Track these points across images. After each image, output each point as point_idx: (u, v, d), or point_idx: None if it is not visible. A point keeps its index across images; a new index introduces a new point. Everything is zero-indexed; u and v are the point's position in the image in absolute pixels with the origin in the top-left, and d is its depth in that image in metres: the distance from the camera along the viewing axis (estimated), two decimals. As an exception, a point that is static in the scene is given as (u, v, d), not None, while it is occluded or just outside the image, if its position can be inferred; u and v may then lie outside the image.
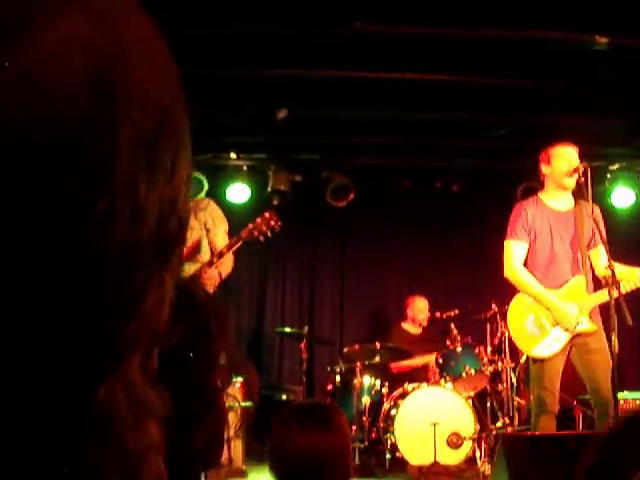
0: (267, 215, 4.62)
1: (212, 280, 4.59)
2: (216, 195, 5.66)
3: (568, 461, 2.79)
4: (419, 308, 7.71)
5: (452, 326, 6.92)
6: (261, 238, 4.62)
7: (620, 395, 3.95)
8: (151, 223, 0.49)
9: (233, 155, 7.38)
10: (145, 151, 0.48)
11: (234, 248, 4.58)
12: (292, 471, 2.07)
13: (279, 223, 4.62)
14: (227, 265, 4.67)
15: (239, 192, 7.35)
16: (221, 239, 4.77)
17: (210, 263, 4.55)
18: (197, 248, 4.69)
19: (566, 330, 4.54)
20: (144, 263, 0.49)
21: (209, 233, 4.78)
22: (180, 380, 1.19)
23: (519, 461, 2.77)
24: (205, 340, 1.28)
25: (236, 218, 5.59)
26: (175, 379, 1.19)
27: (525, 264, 4.75)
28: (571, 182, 4.67)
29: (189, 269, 4.56)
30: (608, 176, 7.65)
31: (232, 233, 4.85)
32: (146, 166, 0.48)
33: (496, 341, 6.90)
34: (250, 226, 4.59)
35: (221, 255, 4.53)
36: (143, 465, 0.56)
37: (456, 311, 7.07)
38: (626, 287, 4.33)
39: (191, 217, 4.65)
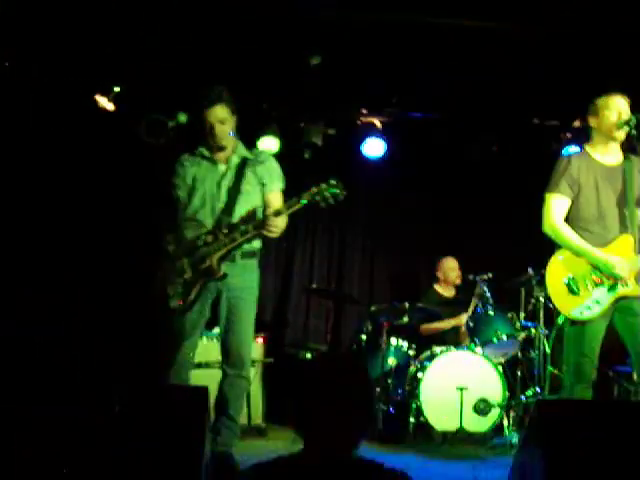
0: (333, 182, 4.34)
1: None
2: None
3: (609, 431, 2.54)
4: (450, 267, 7.53)
5: (485, 289, 6.69)
6: (322, 204, 4.32)
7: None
8: None
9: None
10: None
11: (292, 210, 4.34)
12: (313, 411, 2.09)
13: (344, 192, 4.33)
14: (281, 226, 4.41)
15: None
16: (276, 196, 4.60)
17: (263, 223, 4.35)
18: (253, 216, 4.48)
19: (619, 280, 4.20)
20: None
21: (264, 188, 4.61)
22: None
23: (554, 428, 2.55)
24: None
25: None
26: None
27: (568, 220, 4.42)
28: (621, 134, 4.38)
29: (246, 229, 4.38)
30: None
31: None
32: None
33: (530, 307, 6.66)
34: (313, 190, 4.32)
35: (278, 214, 4.32)
36: None
37: (490, 274, 6.83)
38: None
39: (248, 171, 4.54)
